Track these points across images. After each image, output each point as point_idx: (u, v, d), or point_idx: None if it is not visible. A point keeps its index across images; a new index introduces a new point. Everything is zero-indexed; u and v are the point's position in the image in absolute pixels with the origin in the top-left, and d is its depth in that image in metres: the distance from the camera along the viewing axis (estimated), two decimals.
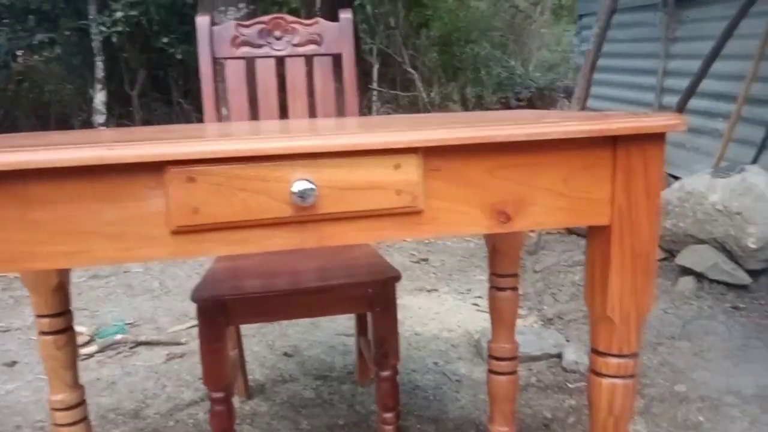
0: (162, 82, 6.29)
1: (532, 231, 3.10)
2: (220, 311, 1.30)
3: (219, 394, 1.34)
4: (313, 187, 0.73)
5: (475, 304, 2.47)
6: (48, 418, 1.70)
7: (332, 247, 1.65)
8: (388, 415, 1.43)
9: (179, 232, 0.74)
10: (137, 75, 5.90)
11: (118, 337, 2.16)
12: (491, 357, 1.36)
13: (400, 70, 7.34)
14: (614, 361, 0.91)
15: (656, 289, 2.32)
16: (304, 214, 0.76)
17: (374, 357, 1.42)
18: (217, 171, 0.72)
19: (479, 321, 2.29)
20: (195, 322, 2.34)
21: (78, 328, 2.25)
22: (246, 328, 2.24)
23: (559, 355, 1.93)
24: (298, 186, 0.72)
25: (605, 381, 0.92)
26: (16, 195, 0.70)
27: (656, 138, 0.84)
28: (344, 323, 2.32)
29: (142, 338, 2.17)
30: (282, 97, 1.59)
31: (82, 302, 2.55)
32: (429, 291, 2.67)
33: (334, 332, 2.23)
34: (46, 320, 1.13)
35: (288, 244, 0.78)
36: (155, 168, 0.71)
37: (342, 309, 1.40)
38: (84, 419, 1.21)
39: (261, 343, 2.15)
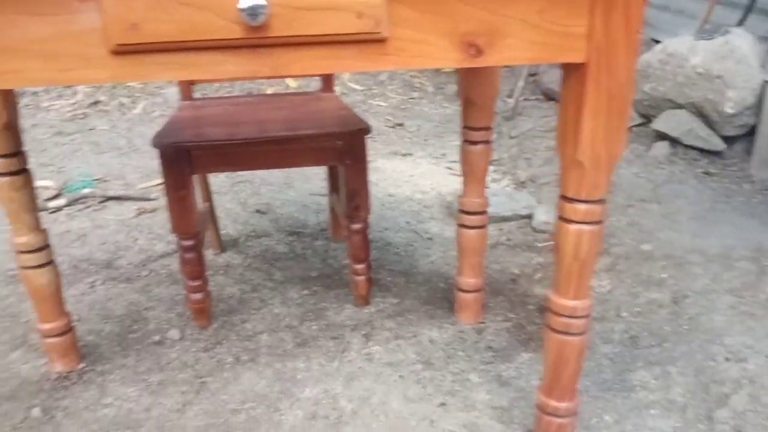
0: None
1: (509, 97, 3.03)
2: (184, 158, 1.26)
3: (188, 242, 1.34)
4: (264, 3, 0.66)
5: (449, 168, 2.45)
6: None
7: (300, 99, 1.59)
8: (359, 266, 1.45)
9: (119, 52, 0.67)
10: None
11: (86, 191, 2.13)
12: (461, 211, 1.36)
13: None
14: (582, 207, 0.90)
15: (630, 154, 2.32)
16: (256, 36, 0.69)
17: (345, 210, 1.41)
18: None
19: (452, 184, 2.28)
20: None
21: (44, 182, 2.22)
22: (218, 186, 2.22)
23: (529, 216, 1.95)
24: (247, 1, 0.65)
25: (572, 227, 0.91)
26: None
27: None
28: (318, 183, 2.31)
29: (111, 193, 2.14)
30: None
31: (47, 158, 2.49)
32: (404, 155, 2.64)
33: (308, 192, 2.21)
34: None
35: (240, 71, 0.72)
36: None
37: (310, 161, 1.36)
38: (50, 263, 1.20)
39: (233, 200, 2.13)
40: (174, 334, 1.40)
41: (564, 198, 0.91)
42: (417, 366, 1.30)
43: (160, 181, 2.27)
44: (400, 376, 1.27)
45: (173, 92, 3.52)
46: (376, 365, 1.30)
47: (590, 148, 0.86)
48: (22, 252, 1.17)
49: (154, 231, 1.91)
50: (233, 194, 2.19)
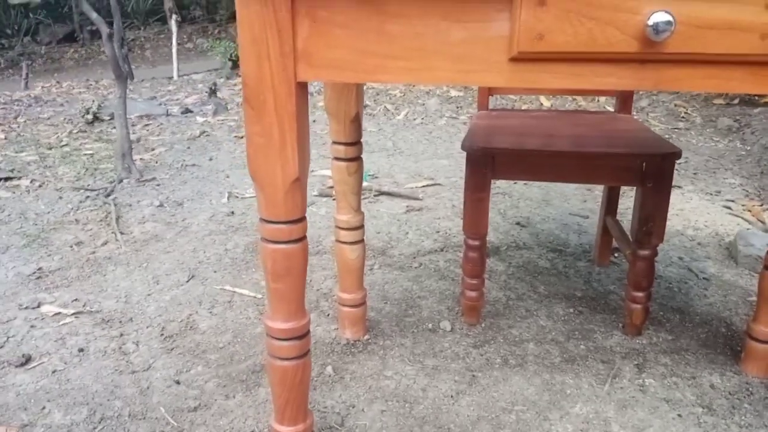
0: None
1: None
2: (488, 162, 1.33)
3: (475, 242, 1.41)
4: (671, 20, 0.68)
5: (727, 207, 2.25)
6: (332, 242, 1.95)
7: (596, 118, 1.59)
8: (639, 294, 1.40)
9: (518, 59, 0.74)
10: None
11: (364, 184, 2.35)
12: None
13: None
14: None
15: None
16: (649, 52, 0.71)
17: (635, 234, 1.37)
18: None
19: (731, 224, 2.09)
20: (429, 181, 2.46)
21: (327, 172, 2.49)
22: None
23: None
24: (656, 18, 0.68)
25: None
26: (376, 7, 0.74)
27: None
28: (576, 204, 2.28)
29: (385, 189, 2.34)
30: None
31: (327, 152, 2.79)
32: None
33: (567, 211, 2.20)
34: (341, 147, 1.25)
35: (621, 84, 0.75)
36: None
37: (608, 179, 1.35)
38: (361, 241, 1.35)
39: (493, 210, 2.20)
40: (446, 325, 1.49)
41: None
42: (697, 409, 1.22)
43: (425, 183, 2.43)
44: (678, 414, 1.20)
45: (433, 102, 3.74)
46: (650, 398, 1.25)
47: None
48: (342, 228, 1.34)
49: (422, 228, 2.05)
50: (493, 204, 2.25)
